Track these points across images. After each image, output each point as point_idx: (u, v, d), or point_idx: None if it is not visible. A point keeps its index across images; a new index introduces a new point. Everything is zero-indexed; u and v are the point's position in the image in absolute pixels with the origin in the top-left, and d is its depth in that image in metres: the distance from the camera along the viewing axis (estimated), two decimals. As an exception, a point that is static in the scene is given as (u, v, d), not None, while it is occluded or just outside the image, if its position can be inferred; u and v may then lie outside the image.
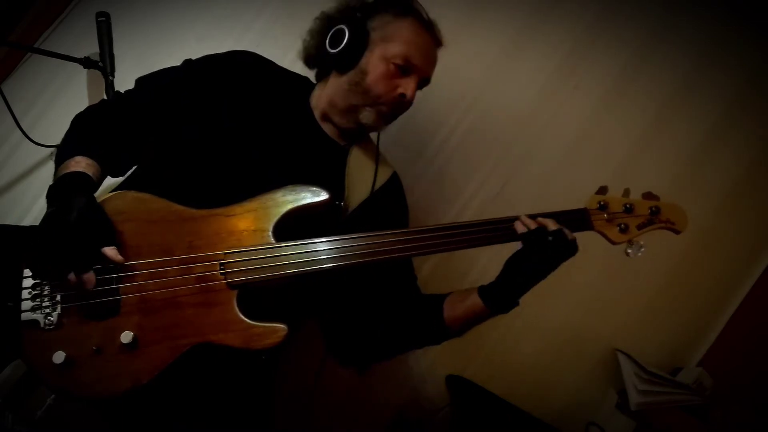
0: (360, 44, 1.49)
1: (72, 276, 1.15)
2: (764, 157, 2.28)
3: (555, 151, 2.21)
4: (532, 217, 1.38)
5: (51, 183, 1.25)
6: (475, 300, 1.37)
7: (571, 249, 1.35)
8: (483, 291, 1.37)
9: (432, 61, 1.57)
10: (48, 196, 1.22)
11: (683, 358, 2.29)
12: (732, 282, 2.31)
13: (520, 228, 1.37)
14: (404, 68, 1.49)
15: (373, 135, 1.68)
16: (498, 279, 1.37)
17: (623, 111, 2.24)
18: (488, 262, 1.99)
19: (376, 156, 1.64)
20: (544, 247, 1.33)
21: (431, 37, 1.54)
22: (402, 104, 1.52)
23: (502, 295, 1.36)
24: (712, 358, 2.27)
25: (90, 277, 1.16)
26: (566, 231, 1.35)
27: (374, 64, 1.48)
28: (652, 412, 2.15)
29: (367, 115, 1.51)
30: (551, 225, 1.35)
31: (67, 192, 1.20)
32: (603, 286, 2.22)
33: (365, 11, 1.52)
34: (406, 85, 1.49)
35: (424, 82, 1.56)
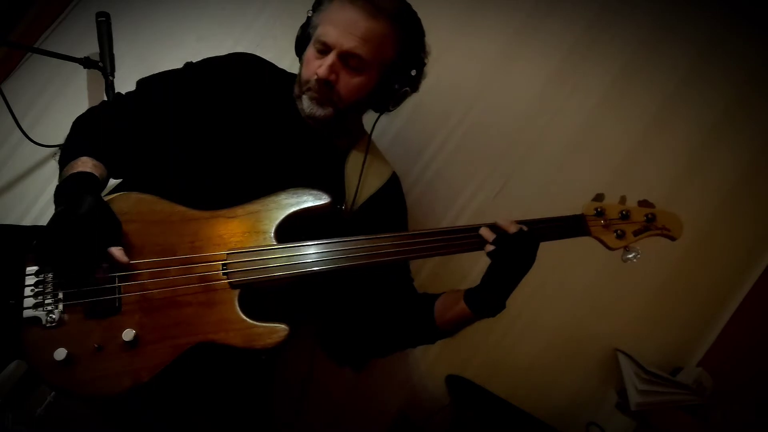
0: (303, 41, 1.55)
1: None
2: (764, 157, 2.28)
3: (555, 151, 2.21)
4: (492, 225, 1.38)
5: (57, 183, 1.27)
6: (462, 304, 1.37)
7: (532, 244, 1.36)
8: (468, 296, 1.37)
9: (354, 33, 1.45)
10: (56, 196, 1.23)
11: (683, 358, 2.29)
12: (732, 282, 2.30)
13: (487, 235, 1.37)
14: (323, 50, 1.47)
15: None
16: (479, 285, 1.37)
17: (623, 111, 2.24)
18: (487, 265, 1.98)
19: (364, 157, 1.63)
20: (510, 250, 1.34)
21: (358, 9, 1.45)
22: (325, 84, 1.47)
23: (483, 300, 1.36)
24: (712, 358, 2.27)
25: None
26: (522, 227, 1.36)
27: (306, 54, 1.52)
28: (652, 412, 2.15)
29: (303, 104, 1.51)
30: (512, 228, 1.36)
31: (76, 191, 1.21)
32: (603, 286, 2.22)
33: (314, 7, 1.55)
34: (321, 64, 1.46)
35: (349, 57, 1.46)
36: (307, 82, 1.49)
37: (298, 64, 1.69)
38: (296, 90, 1.54)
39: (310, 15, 1.54)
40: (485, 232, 1.37)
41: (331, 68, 1.45)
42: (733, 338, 2.26)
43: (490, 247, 1.35)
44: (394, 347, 1.65)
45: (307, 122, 1.54)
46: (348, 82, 1.49)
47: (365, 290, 1.52)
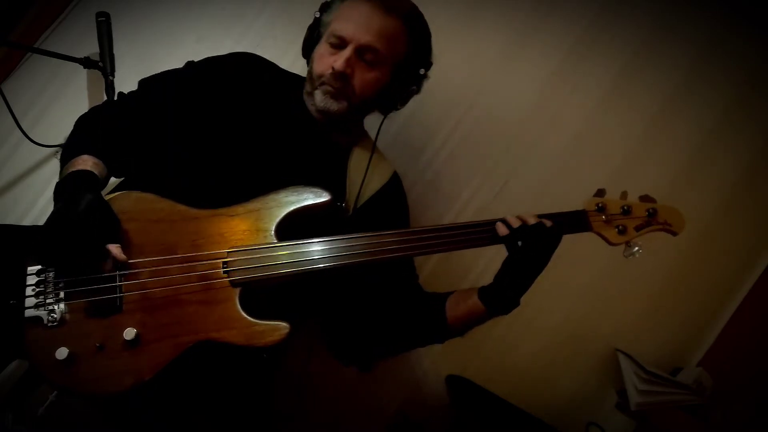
0: (312, 39, 1.57)
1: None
2: (764, 157, 2.28)
3: (555, 150, 2.21)
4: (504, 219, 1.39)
5: (57, 181, 1.26)
6: (475, 301, 1.38)
7: (556, 238, 1.37)
8: (482, 292, 1.38)
9: (370, 28, 1.48)
10: (55, 193, 1.23)
11: (683, 358, 2.29)
12: (732, 282, 2.30)
13: (501, 230, 1.37)
14: (338, 44, 1.49)
15: (372, 133, 1.68)
16: (494, 281, 1.38)
17: (623, 111, 2.24)
18: (488, 262, 1.98)
19: (369, 157, 1.63)
20: (529, 243, 1.34)
21: (372, 6, 1.49)
22: (341, 77, 1.49)
23: (499, 296, 1.36)
24: (712, 358, 2.27)
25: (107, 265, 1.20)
26: (545, 221, 1.36)
27: (318, 50, 1.54)
28: (652, 412, 2.15)
29: (317, 98, 1.51)
30: (531, 220, 1.36)
31: (75, 189, 1.21)
32: (603, 286, 2.22)
33: (322, 8, 1.57)
34: (337, 58, 1.48)
35: (365, 51, 1.49)
36: (321, 76, 1.50)
37: (299, 65, 1.70)
38: (307, 87, 1.55)
39: (318, 16, 1.56)
40: (502, 227, 1.37)
41: (348, 61, 1.47)
42: (733, 338, 2.27)
43: (503, 231, 1.36)
44: (403, 347, 1.66)
45: (316, 118, 1.55)
46: (363, 77, 1.51)
47: (368, 288, 1.52)
